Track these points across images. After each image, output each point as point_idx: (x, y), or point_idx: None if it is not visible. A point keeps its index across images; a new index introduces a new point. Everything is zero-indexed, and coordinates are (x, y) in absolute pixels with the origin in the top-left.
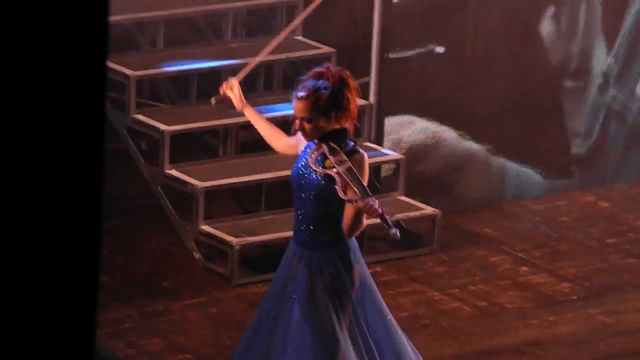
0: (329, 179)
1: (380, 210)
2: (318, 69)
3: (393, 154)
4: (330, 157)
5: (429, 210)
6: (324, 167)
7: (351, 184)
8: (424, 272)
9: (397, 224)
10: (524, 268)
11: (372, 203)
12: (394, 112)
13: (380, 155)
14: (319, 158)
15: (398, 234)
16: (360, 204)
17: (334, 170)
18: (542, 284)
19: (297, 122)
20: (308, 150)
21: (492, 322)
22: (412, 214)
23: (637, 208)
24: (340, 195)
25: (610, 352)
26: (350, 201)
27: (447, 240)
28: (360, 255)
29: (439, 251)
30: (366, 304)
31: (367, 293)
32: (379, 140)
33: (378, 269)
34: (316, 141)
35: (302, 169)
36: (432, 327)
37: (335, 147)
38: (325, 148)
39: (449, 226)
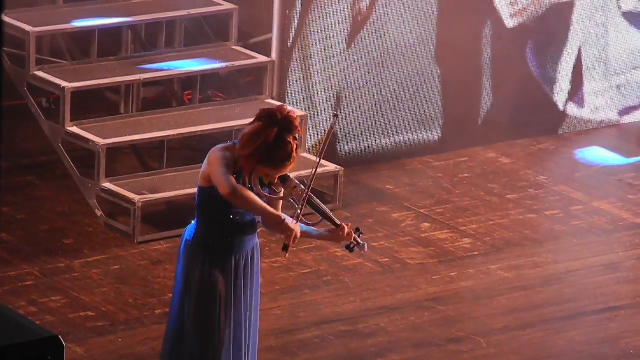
0: None
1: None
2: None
3: (296, 111)
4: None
5: (331, 167)
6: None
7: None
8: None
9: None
10: (426, 224)
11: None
12: (294, 70)
13: None
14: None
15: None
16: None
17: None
18: (444, 240)
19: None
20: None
21: (394, 278)
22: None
23: (537, 164)
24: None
25: (510, 306)
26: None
27: (350, 197)
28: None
29: (342, 208)
30: None
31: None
32: (282, 97)
33: None
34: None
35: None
36: (334, 283)
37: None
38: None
39: (351, 183)
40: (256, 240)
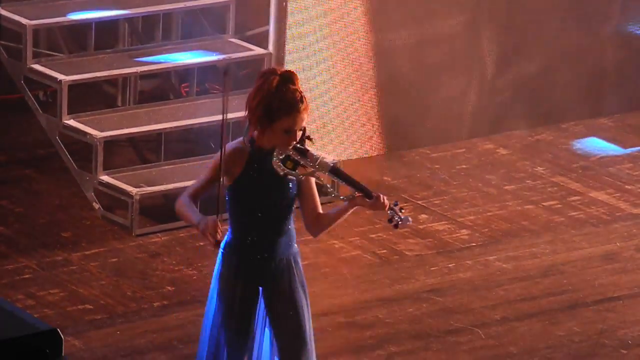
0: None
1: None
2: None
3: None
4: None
5: (328, 159)
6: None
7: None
8: None
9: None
10: (424, 215)
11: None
12: (293, 62)
13: None
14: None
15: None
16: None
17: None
18: (441, 231)
19: (298, 133)
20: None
21: (391, 270)
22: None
23: (535, 155)
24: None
25: (508, 297)
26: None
27: (348, 189)
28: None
29: (340, 199)
30: None
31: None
32: None
33: None
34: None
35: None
36: (333, 275)
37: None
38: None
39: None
40: (295, 249)
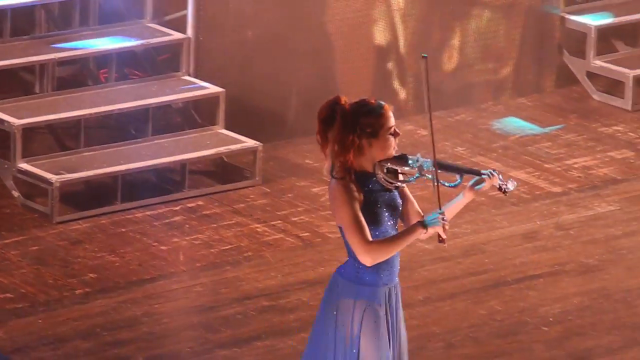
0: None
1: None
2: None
3: (213, 88)
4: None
5: (250, 143)
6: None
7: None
8: (246, 205)
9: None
10: None
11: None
12: (212, 47)
13: (199, 89)
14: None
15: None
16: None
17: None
18: None
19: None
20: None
21: (314, 252)
22: (233, 147)
23: (455, 135)
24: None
25: (430, 278)
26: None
27: (269, 173)
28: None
29: (261, 183)
30: None
31: None
32: (199, 74)
33: (200, 202)
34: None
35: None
36: (256, 259)
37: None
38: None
39: (270, 158)
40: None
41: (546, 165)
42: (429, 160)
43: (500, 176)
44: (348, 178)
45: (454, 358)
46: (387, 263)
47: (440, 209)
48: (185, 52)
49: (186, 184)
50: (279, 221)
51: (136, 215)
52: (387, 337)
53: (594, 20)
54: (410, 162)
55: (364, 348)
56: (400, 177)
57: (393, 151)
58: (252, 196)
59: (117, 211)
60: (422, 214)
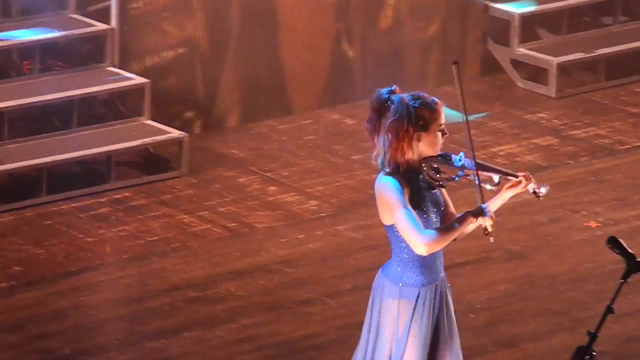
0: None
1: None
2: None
3: (138, 79)
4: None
5: (176, 133)
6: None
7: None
8: (173, 196)
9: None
10: (273, 187)
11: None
12: (136, 37)
13: (124, 80)
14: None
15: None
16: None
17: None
18: (291, 202)
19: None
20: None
21: (242, 243)
22: (159, 138)
23: None
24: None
25: (359, 266)
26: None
27: (195, 163)
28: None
29: (188, 174)
30: None
31: None
32: (124, 65)
33: (126, 194)
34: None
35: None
36: (183, 249)
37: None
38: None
39: (196, 149)
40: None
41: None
42: (470, 160)
43: (534, 180)
44: (397, 173)
45: None
46: (429, 262)
47: (484, 204)
48: (110, 43)
49: (112, 176)
50: (206, 212)
51: (62, 207)
52: (430, 335)
53: (517, 8)
54: (454, 161)
55: (408, 348)
56: (445, 175)
57: (439, 149)
58: (178, 187)
59: (43, 203)
60: (456, 214)
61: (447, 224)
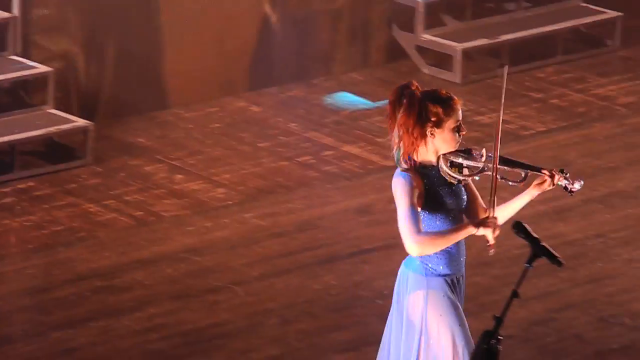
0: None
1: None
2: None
3: (41, 67)
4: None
5: (80, 122)
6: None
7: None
8: (78, 185)
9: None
10: (179, 176)
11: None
12: (39, 26)
13: (27, 69)
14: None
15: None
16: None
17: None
18: (198, 190)
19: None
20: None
21: (148, 231)
22: (63, 126)
23: (287, 112)
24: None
25: (265, 253)
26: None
27: (101, 152)
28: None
29: (93, 163)
30: None
31: None
32: (26, 54)
33: (31, 183)
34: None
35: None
36: (89, 239)
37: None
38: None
39: (101, 137)
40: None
41: (378, 140)
42: (491, 157)
43: (568, 175)
44: (411, 169)
45: (290, 334)
46: (457, 253)
47: (493, 214)
48: (12, 31)
49: (16, 165)
50: (112, 201)
51: None
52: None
53: None
54: (475, 156)
55: (438, 338)
56: (465, 171)
57: (456, 146)
58: (83, 176)
59: None
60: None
61: (444, 230)
